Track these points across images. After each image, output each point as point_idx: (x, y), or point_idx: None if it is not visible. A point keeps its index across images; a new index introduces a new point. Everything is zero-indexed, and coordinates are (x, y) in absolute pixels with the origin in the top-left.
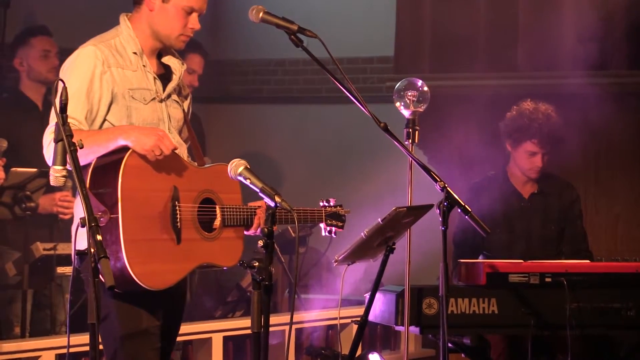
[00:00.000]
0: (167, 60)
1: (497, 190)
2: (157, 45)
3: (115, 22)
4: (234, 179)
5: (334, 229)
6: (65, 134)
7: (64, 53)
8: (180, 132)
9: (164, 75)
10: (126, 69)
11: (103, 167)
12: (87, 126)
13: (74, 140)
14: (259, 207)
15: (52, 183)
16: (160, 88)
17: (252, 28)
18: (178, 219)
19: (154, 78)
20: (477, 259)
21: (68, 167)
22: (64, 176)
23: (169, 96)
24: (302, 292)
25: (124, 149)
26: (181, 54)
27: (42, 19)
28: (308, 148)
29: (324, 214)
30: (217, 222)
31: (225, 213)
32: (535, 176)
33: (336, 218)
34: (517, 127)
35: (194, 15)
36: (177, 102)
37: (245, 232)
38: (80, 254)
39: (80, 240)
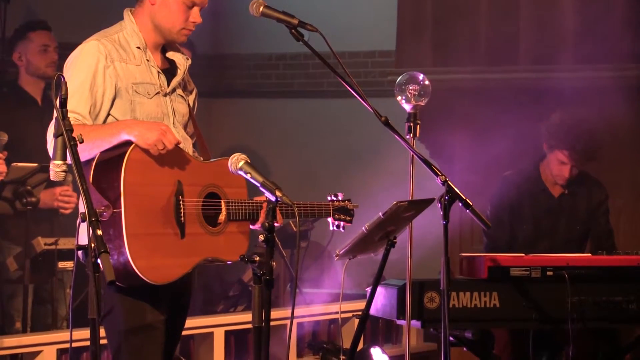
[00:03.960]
0: (172, 54)
1: (528, 185)
2: (160, 40)
3: (115, 17)
4: (235, 174)
5: (342, 223)
6: (65, 129)
7: (63, 48)
8: (185, 127)
9: (169, 69)
10: (130, 63)
11: (106, 162)
12: (91, 121)
13: (74, 134)
14: (265, 201)
15: (52, 178)
16: (165, 82)
17: (253, 22)
18: (182, 213)
19: (158, 72)
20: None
21: (69, 161)
22: (64, 171)
23: (173, 90)
24: (304, 287)
25: (127, 143)
26: None
27: (42, 13)
28: (309, 142)
29: (331, 209)
30: (222, 217)
31: (231, 207)
32: (562, 183)
33: (344, 212)
34: (554, 134)
35: (196, 9)
36: (182, 96)
37: (251, 227)
38: (82, 248)
39: (83, 234)
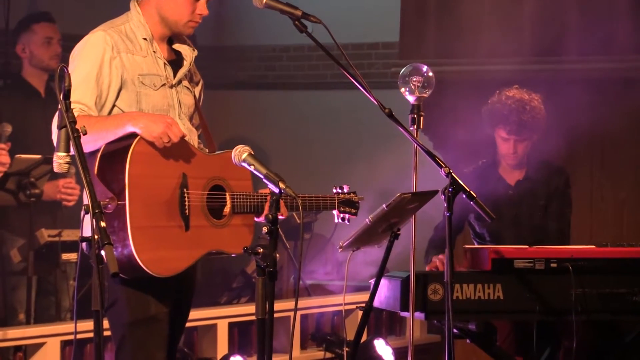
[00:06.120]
0: (178, 46)
1: (485, 178)
2: (166, 32)
3: (120, 9)
4: (238, 166)
5: (347, 216)
6: (68, 121)
7: (67, 40)
8: (191, 119)
9: (175, 61)
10: (136, 54)
11: (111, 154)
12: (96, 112)
13: (78, 126)
14: (269, 193)
15: (55, 169)
16: (171, 74)
17: (256, 14)
18: (186, 206)
19: (164, 64)
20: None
21: (72, 153)
22: (67, 162)
23: (179, 82)
24: (307, 278)
25: (133, 135)
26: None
27: (46, 5)
28: (313, 134)
29: (336, 201)
30: (227, 209)
31: (235, 200)
32: (513, 162)
33: (349, 205)
34: (490, 114)
35: (202, 1)
36: (188, 88)
37: (256, 219)
38: (85, 240)
39: (87, 226)
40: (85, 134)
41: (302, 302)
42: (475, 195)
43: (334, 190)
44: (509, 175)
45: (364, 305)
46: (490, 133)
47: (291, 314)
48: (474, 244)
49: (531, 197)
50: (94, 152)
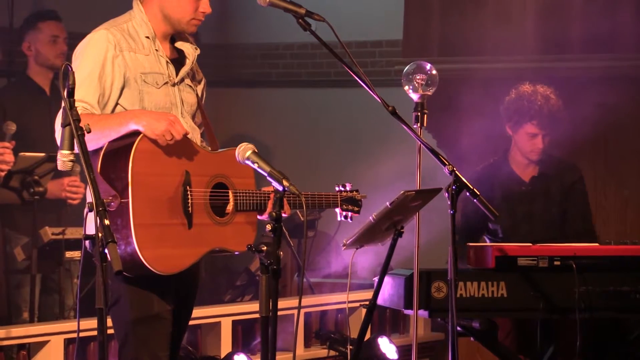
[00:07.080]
0: (181, 44)
1: (498, 175)
2: (169, 30)
3: (125, 7)
4: (242, 163)
5: (350, 214)
6: (72, 118)
7: (72, 37)
8: (193, 117)
9: (178, 59)
10: (138, 52)
11: (114, 152)
12: (99, 110)
13: (81, 124)
14: (273, 191)
15: (59, 167)
16: (173, 72)
17: (260, 12)
18: (189, 204)
19: (167, 62)
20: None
21: (76, 151)
22: (71, 160)
23: (182, 80)
24: (311, 276)
25: (136, 133)
26: None
27: (50, 3)
28: (316, 132)
29: (339, 199)
30: (230, 207)
31: (238, 198)
32: (537, 158)
33: (352, 203)
34: (516, 110)
35: None
36: (191, 86)
37: (259, 217)
38: (89, 238)
39: (91, 224)
40: (89, 132)
41: (306, 300)
42: (478, 193)
43: (337, 188)
44: (522, 172)
45: (367, 303)
46: (509, 131)
47: (295, 311)
48: (486, 241)
49: (546, 193)
50: (97, 150)
